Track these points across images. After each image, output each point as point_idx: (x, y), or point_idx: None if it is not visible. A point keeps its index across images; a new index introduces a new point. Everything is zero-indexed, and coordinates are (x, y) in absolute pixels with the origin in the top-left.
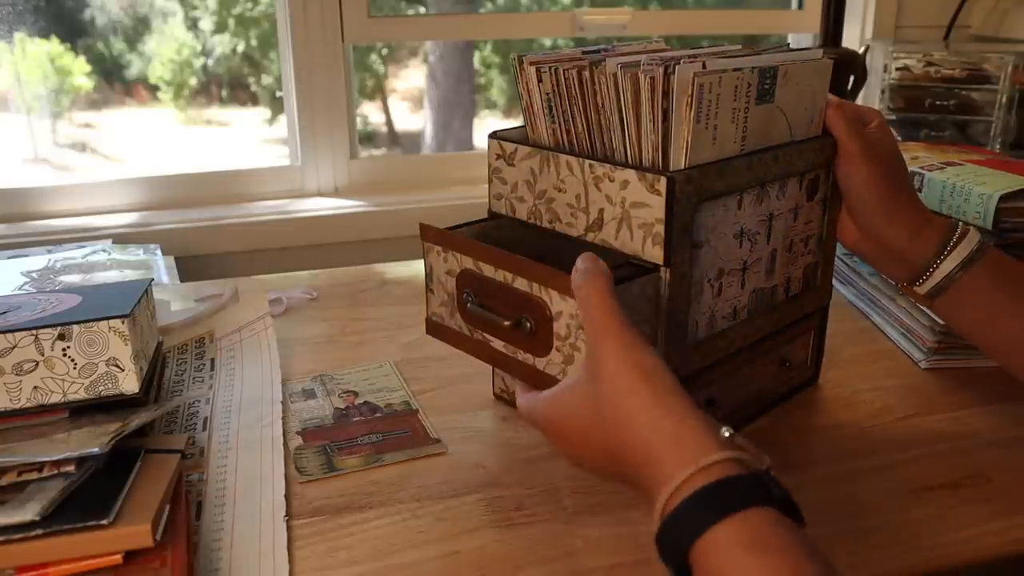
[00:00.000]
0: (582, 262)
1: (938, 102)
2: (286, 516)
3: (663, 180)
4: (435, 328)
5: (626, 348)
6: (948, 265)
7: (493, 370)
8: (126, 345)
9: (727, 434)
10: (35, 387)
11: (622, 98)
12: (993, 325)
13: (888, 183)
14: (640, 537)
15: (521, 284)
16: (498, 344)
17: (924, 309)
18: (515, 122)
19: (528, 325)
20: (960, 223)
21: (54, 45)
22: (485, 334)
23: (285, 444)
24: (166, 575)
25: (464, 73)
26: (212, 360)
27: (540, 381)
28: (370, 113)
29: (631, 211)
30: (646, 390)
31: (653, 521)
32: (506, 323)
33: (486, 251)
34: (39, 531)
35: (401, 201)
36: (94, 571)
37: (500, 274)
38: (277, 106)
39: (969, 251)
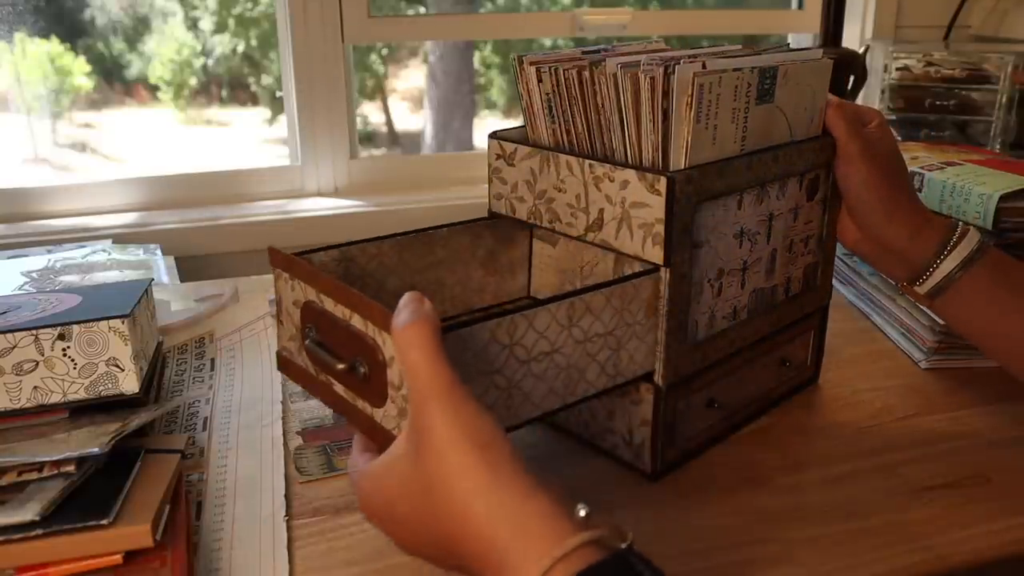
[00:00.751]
0: (404, 303)
1: (938, 102)
2: (286, 516)
3: (663, 180)
4: (285, 364)
5: (456, 413)
6: (948, 265)
7: None
8: (126, 345)
9: (582, 513)
10: (35, 387)
11: (622, 98)
12: (993, 325)
13: (888, 183)
14: (640, 537)
15: (357, 322)
16: (339, 388)
17: (924, 309)
18: (515, 122)
19: (362, 370)
20: (960, 223)
21: (54, 45)
22: (328, 375)
23: (285, 444)
24: (166, 575)
25: (464, 73)
26: (212, 360)
27: (377, 435)
28: (370, 113)
29: (631, 211)
30: (482, 467)
31: None
32: (340, 366)
33: (327, 282)
34: (39, 531)
35: (401, 201)
36: (94, 571)
37: (340, 309)
38: (277, 106)
39: (969, 251)
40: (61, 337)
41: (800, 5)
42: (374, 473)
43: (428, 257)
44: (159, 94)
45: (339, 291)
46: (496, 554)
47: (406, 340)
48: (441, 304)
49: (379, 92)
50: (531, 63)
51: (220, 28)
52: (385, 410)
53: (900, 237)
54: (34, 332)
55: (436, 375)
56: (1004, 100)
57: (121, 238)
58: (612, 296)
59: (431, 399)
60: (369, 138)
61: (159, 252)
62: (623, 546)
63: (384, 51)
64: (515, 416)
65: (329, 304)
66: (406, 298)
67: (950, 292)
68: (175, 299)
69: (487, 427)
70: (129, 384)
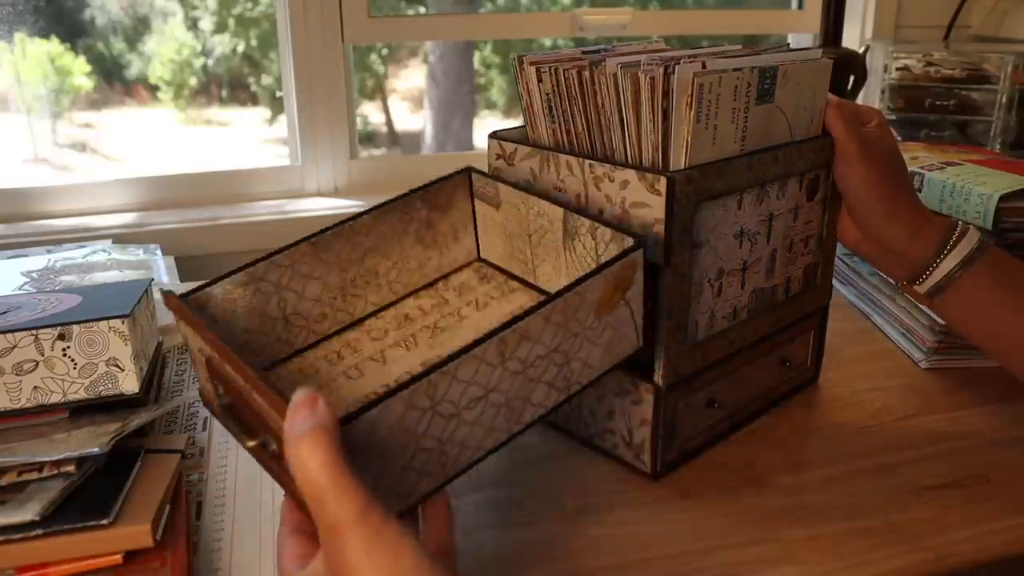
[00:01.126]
0: (294, 407)
1: (938, 102)
2: None
3: (663, 180)
4: (207, 403)
5: (371, 549)
6: (948, 264)
7: None
8: (126, 345)
9: None
10: (35, 387)
11: (622, 98)
12: (994, 324)
13: (887, 183)
14: (640, 537)
15: (256, 399)
16: (248, 441)
17: (924, 309)
18: (515, 122)
19: (273, 447)
20: (960, 222)
21: (54, 45)
22: None
23: None
24: (166, 575)
25: (464, 73)
26: None
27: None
28: (370, 113)
29: (631, 211)
30: None
31: None
32: (250, 443)
33: (220, 349)
34: (39, 531)
35: None
36: (94, 571)
37: (239, 379)
38: (277, 106)
39: (969, 250)
40: (61, 337)
41: (800, 5)
42: None
43: (351, 251)
44: (159, 94)
45: (232, 363)
46: None
47: (301, 460)
48: (379, 294)
49: (379, 92)
50: (531, 63)
51: (220, 28)
52: None
53: (900, 236)
54: (34, 332)
55: (345, 501)
56: (1004, 100)
57: (121, 238)
58: (552, 313)
59: (344, 530)
60: (369, 138)
61: (159, 252)
62: None
63: (384, 51)
64: (453, 467)
65: (228, 370)
66: (296, 401)
67: (950, 291)
68: None
69: (408, 551)
70: (129, 384)
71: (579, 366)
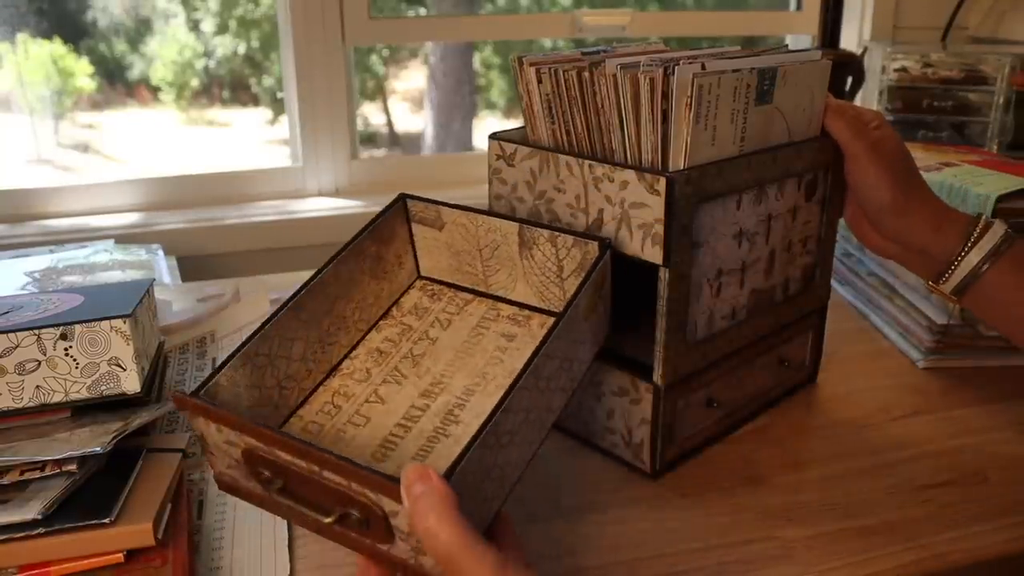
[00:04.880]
0: (414, 485)
1: (936, 103)
2: None
3: (662, 181)
4: (231, 488)
5: None
6: (973, 258)
7: None
8: (128, 345)
9: None
10: (37, 386)
11: (622, 99)
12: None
13: (900, 180)
14: (639, 536)
15: (332, 477)
16: (324, 518)
17: (922, 309)
18: (515, 123)
19: (356, 515)
20: (983, 216)
21: (56, 46)
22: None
23: None
24: (167, 574)
25: (464, 74)
26: (214, 360)
27: (384, 559)
28: (371, 114)
29: (630, 211)
30: None
31: None
32: (327, 520)
33: (276, 439)
34: (41, 530)
35: None
36: (96, 570)
37: (301, 464)
38: (278, 107)
39: (994, 243)
40: (63, 337)
41: (798, 6)
42: None
43: (322, 302)
44: (161, 95)
45: (301, 451)
46: None
47: (431, 532)
48: (348, 335)
49: (380, 93)
50: (531, 64)
51: (221, 29)
52: (393, 547)
53: (921, 233)
54: (36, 332)
55: (483, 565)
56: (1001, 101)
57: (123, 238)
58: (562, 331)
59: None
60: (370, 139)
61: (161, 252)
62: None
63: (385, 52)
64: (508, 486)
65: (285, 457)
66: (414, 478)
67: (977, 285)
68: (177, 299)
69: None
70: (131, 383)
71: (578, 365)
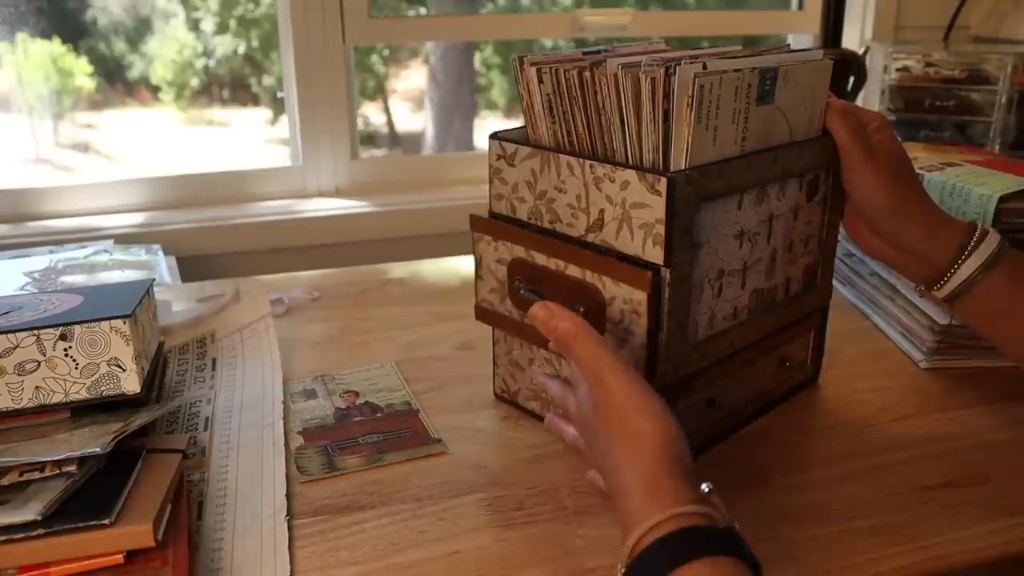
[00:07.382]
0: (563, 320)
1: (938, 103)
2: (287, 516)
3: (663, 181)
4: (485, 314)
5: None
6: (968, 267)
7: (494, 370)
8: (128, 345)
9: (706, 489)
10: (37, 387)
11: (623, 99)
12: (1016, 328)
13: (897, 185)
14: None
15: (574, 271)
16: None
17: (924, 309)
18: (516, 123)
19: (580, 310)
20: (979, 224)
21: (56, 46)
22: None
23: (286, 444)
24: (167, 575)
25: (465, 74)
26: (213, 360)
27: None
28: (371, 114)
29: (631, 211)
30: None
31: (621, 556)
32: (578, 308)
33: (540, 240)
34: (41, 531)
35: (402, 202)
36: (95, 571)
37: (552, 262)
38: (278, 107)
39: (990, 253)
40: (63, 337)
41: (800, 6)
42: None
43: None
44: (161, 95)
45: (557, 247)
46: (633, 502)
47: (582, 342)
48: None
49: (380, 93)
50: (532, 64)
51: (221, 29)
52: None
53: (917, 239)
54: (36, 332)
55: (616, 358)
56: (1003, 101)
57: (123, 238)
58: None
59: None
60: (370, 139)
61: (161, 252)
62: (731, 526)
63: (385, 52)
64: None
65: (540, 258)
66: (559, 313)
67: (970, 294)
68: (176, 299)
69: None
70: (131, 384)
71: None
